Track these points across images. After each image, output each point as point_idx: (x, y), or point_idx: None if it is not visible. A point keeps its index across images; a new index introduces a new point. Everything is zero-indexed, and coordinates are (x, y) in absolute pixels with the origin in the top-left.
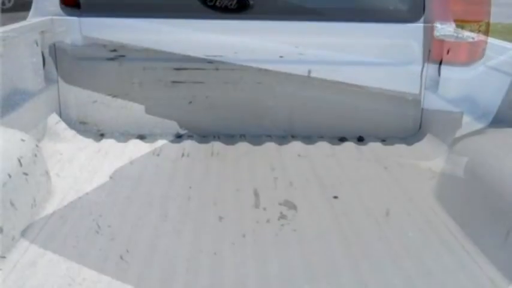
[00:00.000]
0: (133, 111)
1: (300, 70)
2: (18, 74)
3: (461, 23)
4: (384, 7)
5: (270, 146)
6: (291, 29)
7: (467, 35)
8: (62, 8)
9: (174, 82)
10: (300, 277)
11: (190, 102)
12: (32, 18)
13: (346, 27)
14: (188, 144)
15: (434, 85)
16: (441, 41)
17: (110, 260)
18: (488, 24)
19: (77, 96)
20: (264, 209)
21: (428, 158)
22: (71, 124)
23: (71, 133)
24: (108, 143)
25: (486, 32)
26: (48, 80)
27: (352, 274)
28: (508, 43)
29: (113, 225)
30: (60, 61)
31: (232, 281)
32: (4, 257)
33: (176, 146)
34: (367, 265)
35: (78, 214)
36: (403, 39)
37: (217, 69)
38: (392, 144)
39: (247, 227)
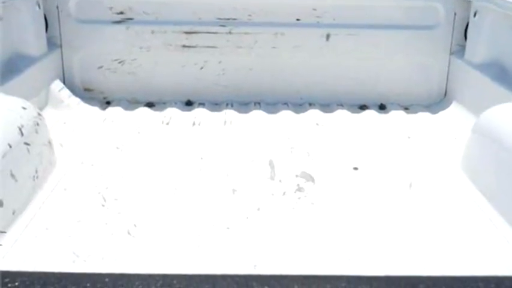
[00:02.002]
0: (141, 77)
1: (318, 34)
2: (20, 38)
3: None
4: None
5: (286, 115)
6: None
7: None
8: None
9: (184, 46)
10: (317, 252)
11: (202, 68)
12: None
13: None
14: (199, 112)
15: (461, 50)
16: (468, 3)
17: (116, 235)
18: None
19: (81, 61)
20: (280, 181)
21: (454, 127)
22: (75, 91)
23: (75, 101)
24: (114, 111)
25: None
26: (51, 44)
27: (373, 249)
28: None
29: (120, 199)
30: (64, 24)
31: (246, 257)
32: (4, 232)
33: (187, 115)
34: (389, 240)
35: (83, 186)
36: (427, 0)
37: (230, 32)
38: (415, 112)
39: (262, 200)
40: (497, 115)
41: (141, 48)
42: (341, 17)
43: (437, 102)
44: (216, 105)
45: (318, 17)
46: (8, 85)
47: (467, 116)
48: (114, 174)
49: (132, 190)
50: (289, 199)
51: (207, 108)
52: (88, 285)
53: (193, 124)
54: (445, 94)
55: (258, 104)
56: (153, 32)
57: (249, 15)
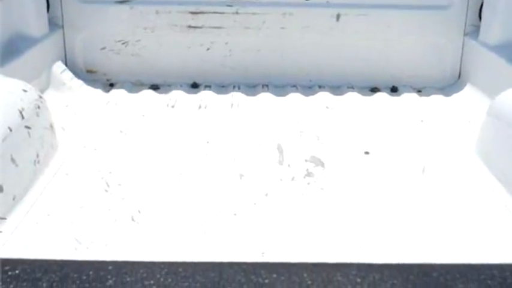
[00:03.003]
0: (146, 59)
1: (328, 14)
2: (20, 18)
3: None
4: None
5: (295, 97)
6: None
7: None
8: None
9: (190, 27)
10: (327, 239)
11: (208, 49)
12: None
13: None
14: (205, 95)
15: (475, 30)
16: None
17: (120, 221)
18: None
19: (84, 42)
20: (289, 165)
21: (468, 110)
22: (78, 73)
23: (77, 83)
24: (118, 93)
25: None
26: (52, 25)
27: (385, 236)
28: None
29: (124, 184)
30: (66, 4)
31: (254, 243)
32: (4, 219)
33: (192, 97)
34: (401, 226)
35: (86, 171)
36: None
37: (237, 13)
38: (428, 95)
39: (270, 186)
40: None
41: (145, 28)
42: None
43: (450, 85)
44: (222, 87)
45: None
46: (8, 67)
47: (482, 98)
48: (117, 158)
49: (136, 175)
50: (298, 184)
51: (214, 91)
52: (91, 273)
53: (199, 107)
54: (459, 76)
55: (266, 87)
56: (157, 12)
57: None
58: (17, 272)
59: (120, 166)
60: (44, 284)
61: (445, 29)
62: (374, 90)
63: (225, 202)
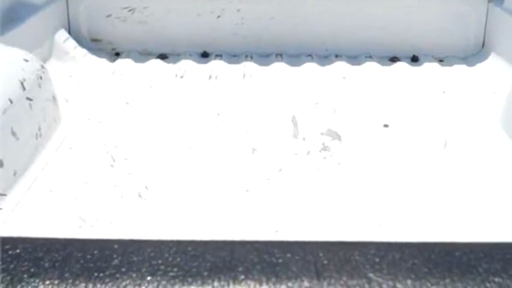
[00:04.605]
0: (153, 27)
1: None
2: None
3: None
4: None
5: (311, 67)
6: None
7: None
8: None
9: None
10: (344, 216)
11: (219, 17)
12: None
13: None
14: (216, 64)
15: None
16: None
17: (126, 197)
18: None
19: (88, 9)
20: (304, 139)
21: (492, 81)
22: (82, 42)
23: (81, 52)
24: (124, 63)
25: None
26: None
27: (405, 213)
28: None
29: (130, 158)
30: None
31: (267, 221)
32: (4, 195)
33: (202, 67)
34: (422, 203)
35: (90, 145)
36: None
37: None
38: (450, 65)
39: (284, 160)
40: None
41: None
42: None
43: (474, 54)
44: (234, 57)
45: None
46: (9, 35)
47: (507, 68)
48: (123, 131)
49: (144, 149)
50: (314, 159)
51: (225, 60)
52: (95, 252)
53: (210, 77)
54: (483, 45)
55: (279, 56)
56: None
57: None
58: (17, 251)
59: (126, 140)
60: (46, 264)
61: None
62: (393, 59)
63: (236, 178)
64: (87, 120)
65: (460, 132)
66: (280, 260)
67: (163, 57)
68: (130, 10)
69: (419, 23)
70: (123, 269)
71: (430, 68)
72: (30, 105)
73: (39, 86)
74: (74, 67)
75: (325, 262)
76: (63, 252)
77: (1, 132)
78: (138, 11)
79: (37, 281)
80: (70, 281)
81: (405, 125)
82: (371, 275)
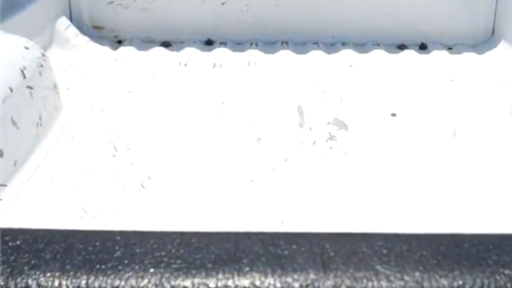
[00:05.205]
0: (156, 13)
1: None
2: None
3: None
4: None
5: (317, 55)
6: None
7: None
8: None
9: None
10: (351, 208)
11: (223, 4)
12: None
13: None
14: (220, 52)
15: None
16: None
17: (128, 188)
18: None
19: None
20: (310, 128)
21: (502, 69)
22: (83, 29)
23: (83, 40)
24: (126, 51)
25: None
26: None
27: (413, 204)
28: None
29: (133, 148)
30: None
31: (272, 212)
32: (5, 185)
33: (206, 55)
34: (430, 194)
35: (92, 135)
36: None
37: None
38: (460, 52)
39: (289, 150)
40: None
41: None
42: None
43: (484, 42)
44: (239, 44)
45: None
46: (9, 22)
47: None
48: (126, 121)
49: (146, 139)
50: (320, 149)
51: (229, 48)
52: (97, 243)
53: (214, 66)
54: (493, 32)
55: (285, 44)
56: None
57: None
58: (18, 242)
59: (128, 129)
60: (47, 256)
61: None
62: (401, 47)
63: (241, 168)
64: (89, 109)
65: (469, 122)
66: (285, 252)
67: (166, 45)
68: None
69: (428, 10)
70: (126, 261)
71: (438, 55)
72: (31, 94)
73: (40, 74)
74: (75, 55)
75: (332, 254)
76: (65, 244)
77: (1, 121)
78: None
79: (38, 273)
80: (71, 273)
81: (413, 114)
82: (378, 267)
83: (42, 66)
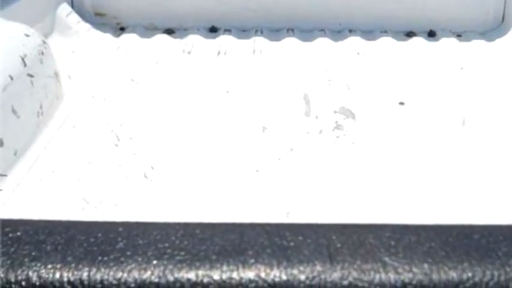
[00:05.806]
0: (160, 0)
1: None
2: None
3: None
4: None
5: (324, 42)
6: None
7: None
8: None
9: None
10: (358, 198)
11: None
12: None
13: None
14: (225, 40)
15: None
16: None
17: (131, 178)
18: None
19: None
20: (316, 117)
21: None
22: (85, 16)
23: (84, 27)
24: (129, 38)
25: None
26: None
27: (421, 195)
28: None
29: (135, 137)
30: None
31: (278, 203)
32: (5, 175)
33: (211, 42)
34: (439, 184)
35: (94, 124)
36: None
37: None
38: (469, 40)
39: (295, 139)
40: None
41: None
42: None
43: (493, 29)
44: (243, 31)
45: None
46: (9, 9)
47: None
48: (129, 109)
49: (150, 128)
50: (327, 138)
51: (234, 36)
52: (99, 235)
53: (218, 53)
54: (503, 19)
55: (291, 31)
56: None
57: None
58: (18, 233)
59: (131, 118)
60: (48, 247)
61: None
62: (409, 34)
63: (246, 157)
64: (91, 97)
65: (478, 110)
66: (291, 243)
67: (170, 32)
68: None
69: None
70: (128, 253)
71: (447, 43)
72: (32, 82)
73: (41, 62)
74: (77, 42)
75: (339, 245)
76: (66, 235)
77: (1, 110)
78: None
79: (38, 264)
80: (73, 264)
81: (421, 102)
82: (386, 258)
83: (43, 53)
